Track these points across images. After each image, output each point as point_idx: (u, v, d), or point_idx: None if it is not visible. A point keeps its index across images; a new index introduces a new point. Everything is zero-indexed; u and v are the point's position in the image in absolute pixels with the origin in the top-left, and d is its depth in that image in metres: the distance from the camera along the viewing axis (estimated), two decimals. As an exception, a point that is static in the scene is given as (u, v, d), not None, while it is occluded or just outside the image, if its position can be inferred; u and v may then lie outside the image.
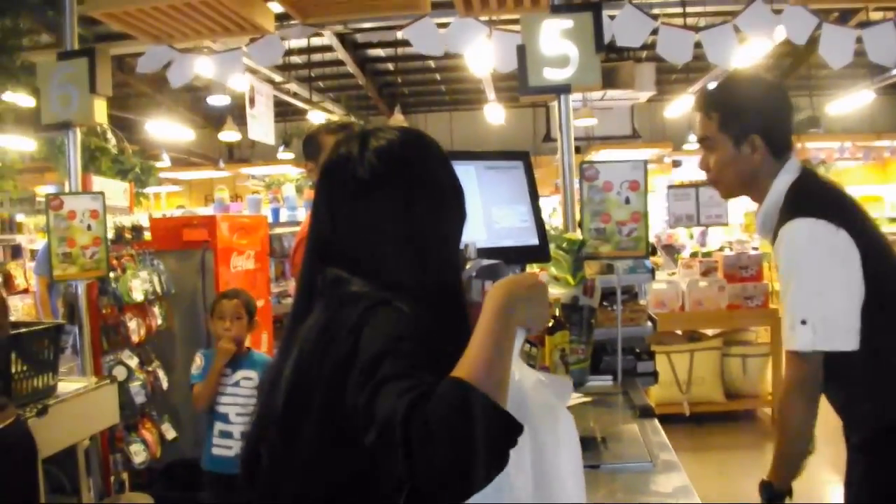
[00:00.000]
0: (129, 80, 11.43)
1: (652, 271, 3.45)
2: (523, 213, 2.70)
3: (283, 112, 12.80)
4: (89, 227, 3.85)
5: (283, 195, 7.25)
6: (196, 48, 5.67)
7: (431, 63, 12.66)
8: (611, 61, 9.93)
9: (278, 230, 6.81)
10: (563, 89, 3.32)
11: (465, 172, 2.64)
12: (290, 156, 12.68)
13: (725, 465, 5.67)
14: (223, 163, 14.09)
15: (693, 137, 12.19)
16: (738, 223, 9.95)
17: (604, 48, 3.26)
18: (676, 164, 11.32)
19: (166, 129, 11.20)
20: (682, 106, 11.33)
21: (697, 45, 4.81)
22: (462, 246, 2.15)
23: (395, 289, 1.34)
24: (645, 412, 2.69)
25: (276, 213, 6.99)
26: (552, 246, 3.20)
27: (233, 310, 3.75)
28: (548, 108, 12.00)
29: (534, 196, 2.73)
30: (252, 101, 7.15)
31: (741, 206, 9.97)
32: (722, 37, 4.70)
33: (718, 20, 4.89)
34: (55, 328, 3.56)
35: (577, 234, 3.17)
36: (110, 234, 4.25)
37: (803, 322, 2.03)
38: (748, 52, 6.40)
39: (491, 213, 2.64)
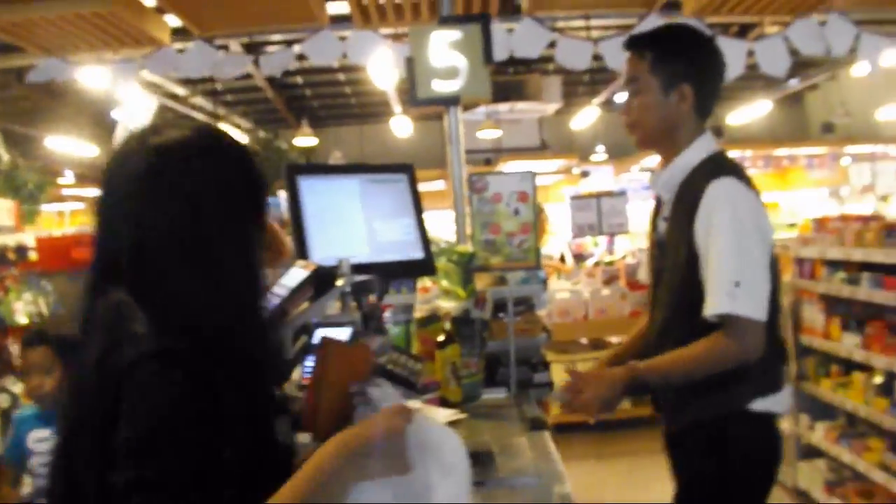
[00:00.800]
0: (30, 93, 11.09)
1: (544, 282, 3.45)
2: (408, 226, 2.68)
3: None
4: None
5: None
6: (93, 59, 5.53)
7: (340, 76, 12.60)
8: (518, 74, 10.03)
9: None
10: (452, 101, 3.31)
11: (348, 186, 2.62)
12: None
13: (632, 471, 5.72)
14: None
15: (601, 148, 12.40)
16: (641, 231, 10.12)
17: (492, 60, 3.26)
18: (584, 174, 11.47)
19: (67, 144, 10.87)
20: (588, 117, 11.50)
21: (600, 57, 4.91)
22: (335, 261, 2.13)
23: (183, 314, 1.18)
24: (536, 424, 2.68)
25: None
26: (443, 259, 3.19)
27: (40, 362, 2.98)
28: (457, 120, 12.08)
29: (418, 209, 2.71)
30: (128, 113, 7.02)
31: (643, 214, 10.13)
32: (620, 47, 4.79)
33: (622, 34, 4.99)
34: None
35: (468, 247, 3.16)
36: (-10, 255, 4.08)
37: (737, 284, 2.00)
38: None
39: (374, 228, 2.61)
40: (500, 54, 4.53)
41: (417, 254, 2.66)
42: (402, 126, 11.61)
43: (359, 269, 2.53)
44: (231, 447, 1.10)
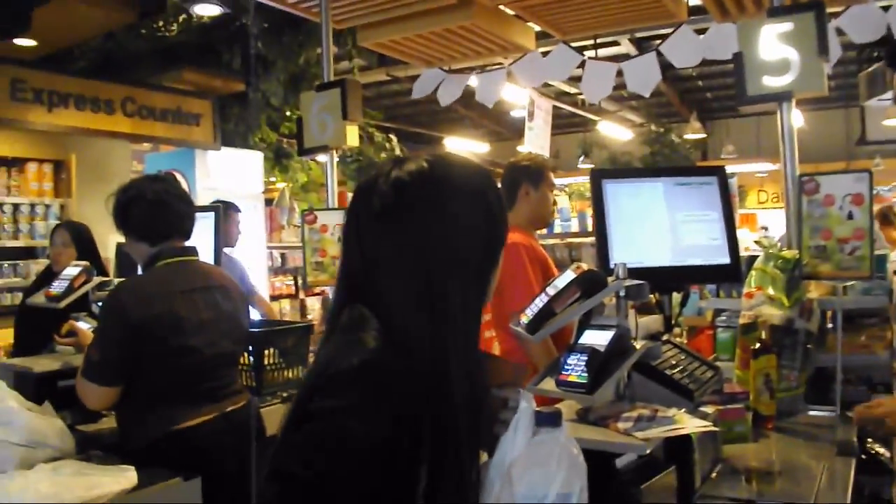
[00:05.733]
0: (431, 97, 12.19)
1: (890, 294, 3.13)
2: (714, 230, 2.61)
3: (582, 122, 12.97)
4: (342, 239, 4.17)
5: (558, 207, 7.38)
6: (467, 69, 5.96)
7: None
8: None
9: (550, 241, 6.96)
10: (783, 97, 3.12)
11: (653, 190, 2.62)
12: (590, 165, 12.80)
13: None
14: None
15: None
16: None
17: (828, 51, 3.02)
18: None
19: (463, 144, 11.80)
20: None
21: None
22: (612, 265, 2.15)
23: (404, 336, 1.22)
24: (843, 449, 2.47)
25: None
26: (769, 264, 3.04)
27: None
28: (863, 107, 11.04)
29: (727, 213, 2.63)
30: (531, 115, 7.36)
31: None
32: None
33: None
34: (305, 328, 3.94)
35: (794, 252, 2.98)
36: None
37: None
38: None
39: (678, 232, 2.58)
40: (868, 36, 4.18)
41: (723, 259, 2.58)
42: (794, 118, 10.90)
43: (659, 272, 2.54)
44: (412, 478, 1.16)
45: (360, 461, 1.13)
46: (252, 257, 6.92)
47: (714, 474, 2.22)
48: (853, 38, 4.41)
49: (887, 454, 3.04)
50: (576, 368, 1.86)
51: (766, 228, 11.70)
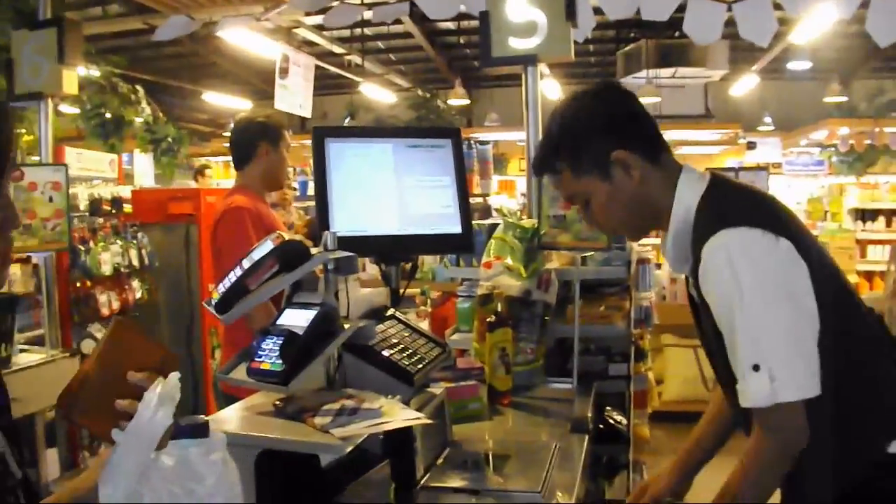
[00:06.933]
0: (200, 49, 11.43)
1: (628, 265, 3.12)
2: (446, 197, 2.42)
3: (350, 84, 12.67)
4: (51, 199, 3.71)
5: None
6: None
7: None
8: (683, 37, 9.42)
9: (309, 203, 6.71)
10: (529, 60, 3.00)
11: (381, 151, 2.39)
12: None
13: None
14: (291, 133, 14.01)
15: (769, 119, 11.56)
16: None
17: (575, 17, 2.91)
18: (751, 145, 10.69)
19: (225, 100, 11.19)
20: (748, 85, 10.74)
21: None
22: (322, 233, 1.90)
23: None
24: (576, 426, 2.38)
25: (304, 186, 6.85)
26: (509, 234, 2.92)
27: None
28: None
29: (461, 179, 2.44)
30: (285, 72, 7.00)
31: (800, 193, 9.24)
32: (756, 10, 4.25)
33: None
34: (9, 300, 3.46)
35: (532, 222, 2.87)
36: (84, 206, 4.14)
37: (755, 367, 1.57)
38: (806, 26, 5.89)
39: (406, 198, 2.37)
40: (620, 13, 4.13)
41: (454, 228, 2.40)
42: (551, 89, 11.13)
43: (385, 242, 2.33)
44: None
45: None
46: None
47: (441, 460, 2.04)
48: (606, 13, 4.38)
49: (624, 422, 3.04)
50: (270, 355, 1.60)
51: (524, 195, 12.01)
